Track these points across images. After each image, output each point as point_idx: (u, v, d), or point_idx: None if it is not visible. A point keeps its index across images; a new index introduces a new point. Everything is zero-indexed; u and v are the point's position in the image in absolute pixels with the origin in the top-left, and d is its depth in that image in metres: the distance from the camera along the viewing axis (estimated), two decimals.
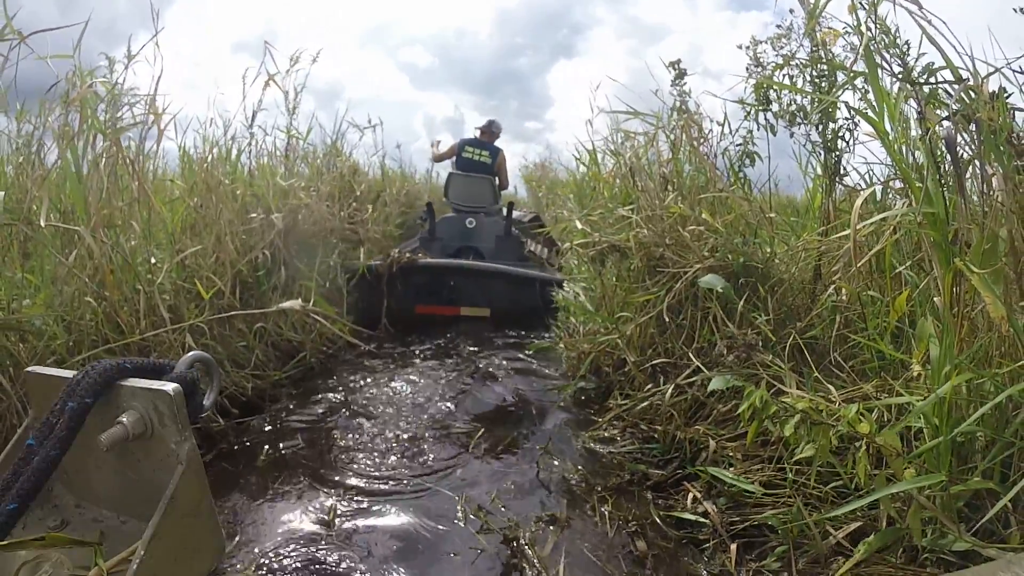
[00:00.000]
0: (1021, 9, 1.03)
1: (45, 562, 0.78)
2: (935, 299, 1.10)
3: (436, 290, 3.25)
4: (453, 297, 3.25)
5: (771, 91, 1.89)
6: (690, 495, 1.57)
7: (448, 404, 2.40)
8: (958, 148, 1.16)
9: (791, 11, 1.75)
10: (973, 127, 1.08)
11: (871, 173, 1.71)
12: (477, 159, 4.55)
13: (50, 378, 0.88)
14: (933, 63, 1.12)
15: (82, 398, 0.79)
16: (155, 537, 0.74)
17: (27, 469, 0.76)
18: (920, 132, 1.08)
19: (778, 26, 1.80)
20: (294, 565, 1.32)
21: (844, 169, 1.77)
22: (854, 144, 1.70)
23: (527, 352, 3.04)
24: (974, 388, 1.09)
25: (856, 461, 1.11)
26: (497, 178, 4.61)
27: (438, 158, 5.19)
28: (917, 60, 1.15)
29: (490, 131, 4.71)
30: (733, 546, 1.35)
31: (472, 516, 1.56)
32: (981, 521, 0.98)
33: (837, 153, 1.72)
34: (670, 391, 1.87)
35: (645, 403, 1.98)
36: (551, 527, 1.51)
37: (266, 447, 1.96)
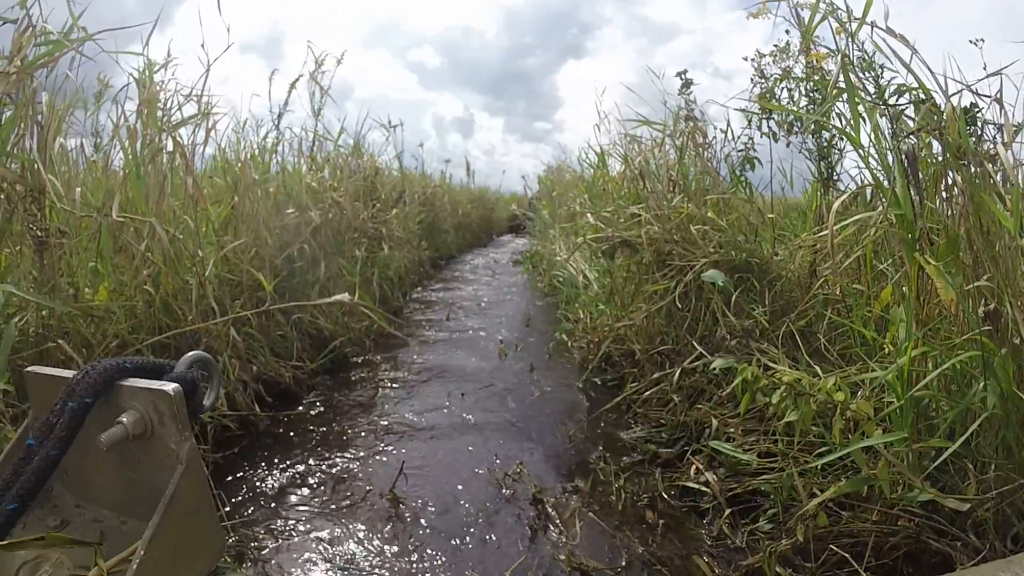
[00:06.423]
0: (978, 41, 1.21)
1: (45, 562, 0.77)
2: (904, 288, 1.27)
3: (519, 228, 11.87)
4: (521, 228, 11.35)
5: (772, 102, 2.06)
6: (693, 467, 1.75)
7: (473, 388, 2.62)
8: (929, 159, 1.34)
9: (787, 31, 1.92)
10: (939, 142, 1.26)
11: (863, 178, 1.88)
12: (538, 203, 11.17)
13: (50, 378, 0.88)
14: (904, 84, 1.29)
15: (82, 398, 0.79)
16: (155, 537, 0.74)
17: (27, 469, 0.77)
18: (891, 145, 1.25)
19: (775, 45, 1.97)
20: (315, 547, 1.46)
21: (837, 175, 1.93)
22: (844, 152, 1.86)
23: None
24: (940, 363, 1.26)
25: (837, 429, 1.29)
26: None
27: (527, 203, 12.50)
28: (890, 81, 1.32)
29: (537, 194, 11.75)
30: (727, 510, 1.54)
31: (505, 482, 1.77)
32: (929, 469, 1.15)
33: (829, 160, 1.89)
34: (677, 375, 2.05)
35: (655, 388, 2.16)
36: (575, 496, 1.72)
37: (304, 434, 2.13)
